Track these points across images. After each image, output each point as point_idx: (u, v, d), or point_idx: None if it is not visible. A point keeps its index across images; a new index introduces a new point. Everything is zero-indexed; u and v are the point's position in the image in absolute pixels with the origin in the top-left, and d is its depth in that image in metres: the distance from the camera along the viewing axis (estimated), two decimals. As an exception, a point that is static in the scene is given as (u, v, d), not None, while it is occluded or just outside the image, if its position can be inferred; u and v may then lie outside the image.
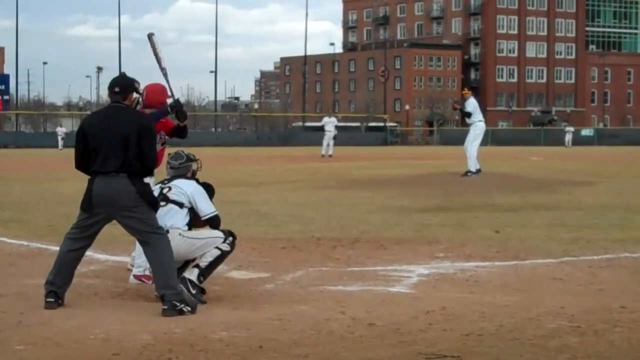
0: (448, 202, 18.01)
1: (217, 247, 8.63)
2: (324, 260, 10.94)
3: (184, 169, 9.05)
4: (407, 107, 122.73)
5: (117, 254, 11.47)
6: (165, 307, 7.78)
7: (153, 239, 7.99)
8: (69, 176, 28.40)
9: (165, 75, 9.67)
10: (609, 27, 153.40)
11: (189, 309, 7.80)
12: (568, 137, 76.02)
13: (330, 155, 44.37)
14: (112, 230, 13.87)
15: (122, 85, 8.19)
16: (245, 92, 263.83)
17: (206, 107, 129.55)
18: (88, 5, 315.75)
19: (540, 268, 10.41)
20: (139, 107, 9.20)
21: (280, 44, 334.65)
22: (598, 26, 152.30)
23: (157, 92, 9.49)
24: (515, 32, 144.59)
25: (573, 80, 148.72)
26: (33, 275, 9.74)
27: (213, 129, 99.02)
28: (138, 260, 9.41)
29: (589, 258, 10.99)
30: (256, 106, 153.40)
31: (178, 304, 7.78)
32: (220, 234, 8.76)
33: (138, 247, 8.89)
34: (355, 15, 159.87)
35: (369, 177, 27.35)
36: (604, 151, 57.18)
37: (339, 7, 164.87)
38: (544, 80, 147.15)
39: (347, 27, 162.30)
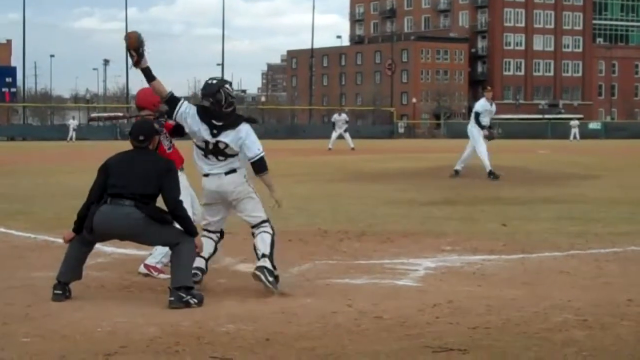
0: (455, 195, 18.00)
1: (264, 231, 8.90)
2: (331, 253, 10.95)
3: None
4: (414, 100, 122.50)
5: (124, 247, 11.47)
6: (172, 298, 7.80)
7: (176, 247, 8.04)
8: (76, 169, 28.45)
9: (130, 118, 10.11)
10: (616, 20, 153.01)
11: (195, 301, 7.82)
12: (574, 131, 75.55)
13: (352, 148, 44.02)
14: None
15: (146, 133, 8.36)
16: (252, 85, 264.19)
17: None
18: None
19: (547, 261, 10.41)
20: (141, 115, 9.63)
21: (288, 37, 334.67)
22: (605, 19, 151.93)
23: (149, 93, 9.52)
24: (523, 25, 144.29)
25: (580, 74, 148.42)
26: (40, 268, 9.77)
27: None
28: (155, 252, 9.45)
29: (596, 251, 10.98)
30: (263, 99, 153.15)
31: (184, 295, 7.79)
32: (265, 209, 8.99)
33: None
34: (363, 8, 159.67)
35: (376, 170, 27.33)
36: (611, 144, 57.09)
37: (346, 0, 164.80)
38: (551, 73, 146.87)
39: (354, 20, 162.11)
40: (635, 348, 6.55)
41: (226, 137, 8.68)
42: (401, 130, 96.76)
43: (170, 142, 9.74)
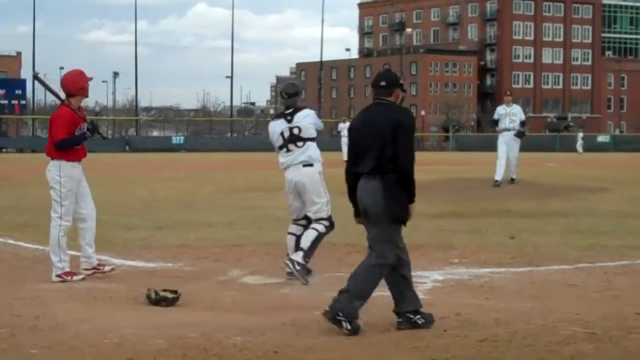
0: (463, 208, 17.97)
1: (313, 228, 9.82)
2: (339, 266, 10.92)
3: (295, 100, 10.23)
4: (422, 112, 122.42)
5: (132, 259, 11.50)
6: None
7: (376, 251, 7.64)
8: (85, 181, 28.52)
9: (68, 104, 10.06)
10: (625, 33, 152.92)
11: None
12: (580, 143, 75.64)
13: (345, 161, 44.24)
14: (126, 235, 13.98)
15: (388, 79, 7.89)
16: (261, 97, 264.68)
17: (222, 112, 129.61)
18: (105, 11, 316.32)
19: (555, 274, 10.39)
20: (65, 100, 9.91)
21: (297, 50, 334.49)
22: (614, 32, 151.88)
23: (76, 77, 9.70)
24: (532, 38, 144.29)
25: (589, 87, 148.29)
26: (48, 280, 9.79)
27: (229, 134, 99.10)
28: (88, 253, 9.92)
29: (604, 264, 10.96)
30: (272, 111, 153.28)
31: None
32: (327, 211, 10.04)
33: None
34: (371, 21, 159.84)
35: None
36: (620, 158, 57.00)
37: (355, 13, 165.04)
38: (560, 86, 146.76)
39: (363, 33, 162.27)
40: (644, 361, 6.54)
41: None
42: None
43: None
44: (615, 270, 10.53)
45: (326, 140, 48.13)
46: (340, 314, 7.27)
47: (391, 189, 7.43)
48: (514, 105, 23.87)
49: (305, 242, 9.80)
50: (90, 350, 6.74)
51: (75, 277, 9.82)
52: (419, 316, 7.52)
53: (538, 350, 6.74)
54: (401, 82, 7.88)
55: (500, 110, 23.60)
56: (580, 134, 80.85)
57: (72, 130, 9.87)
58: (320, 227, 9.94)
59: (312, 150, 10.06)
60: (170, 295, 8.54)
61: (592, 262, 11.12)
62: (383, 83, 7.76)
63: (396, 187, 7.44)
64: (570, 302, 8.61)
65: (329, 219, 10.03)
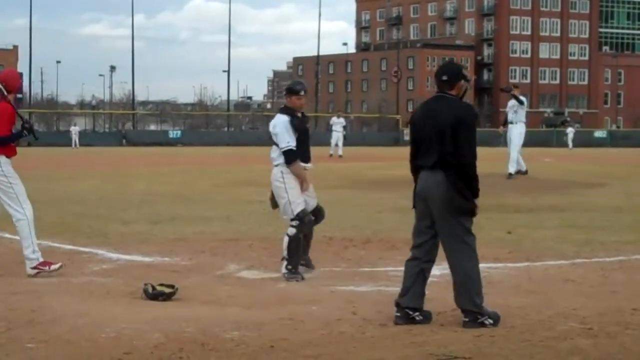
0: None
1: (286, 233, 9.70)
2: (336, 261, 10.94)
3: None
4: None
5: (129, 253, 11.50)
6: (467, 319, 7.44)
7: (457, 247, 7.56)
8: (81, 175, 28.47)
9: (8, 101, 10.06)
10: (622, 28, 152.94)
11: (491, 322, 7.40)
12: (570, 137, 75.86)
13: (340, 156, 44.25)
14: (123, 229, 13.97)
15: (450, 73, 7.69)
16: (258, 91, 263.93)
17: (219, 106, 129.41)
18: (102, 4, 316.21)
19: (552, 269, 10.39)
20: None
21: (294, 44, 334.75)
22: (612, 27, 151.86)
23: (16, 75, 10.19)
24: (529, 33, 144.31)
25: (586, 82, 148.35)
26: (44, 274, 9.78)
27: (226, 129, 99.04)
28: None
29: (601, 260, 10.96)
30: (269, 106, 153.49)
31: (480, 317, 7.42)
32: (291, 211, 9.78)
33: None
34: (369, 15, 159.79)
35: (381, 177, 27.31)
36: (617, 153, 57.04)
37: (353, 7, 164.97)
38: (557, 81, 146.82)
39: (360, 27, 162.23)
40: (641, 357, 6.54)
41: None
42: (407, 137, 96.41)
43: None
44: (612, 266, 10.53)
45: (323, 134, 48.17)
46: (480, 317, 7.37)
47: (455, 183, 7.40)
48: (513, 99, 24.25)
49: (284, 250, 9.75)
50: (87, 344, 6.73)
51: (52, 266, 9.82)
52: (417, 313, 7.52)
53: (535, 345, 6.74)
54: (464, 73, 7.72)
55: (508, 105, 24.42)
56: (570, 129, 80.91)
57: (11, 126, 9.98)
58: (290, 230, 9.75)
59: (276, 150, 9.93)
60: (167, 290, 8.54)
61: (589, 258, 11.12)
62: (444, 77, 7.64)
63: (460, 181, 7.41)
64: (567, 297, 8.61)
65: (297, 217, 9.80)
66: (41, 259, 9.85)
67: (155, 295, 8.45)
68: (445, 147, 7.36)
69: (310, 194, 10.08)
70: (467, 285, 7.47)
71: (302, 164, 9.96)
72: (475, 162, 7.43)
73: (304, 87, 10.03)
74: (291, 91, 9.98)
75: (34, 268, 9.78)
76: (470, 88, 8.39)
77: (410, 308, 7.51)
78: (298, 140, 9.84)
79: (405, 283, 7.65)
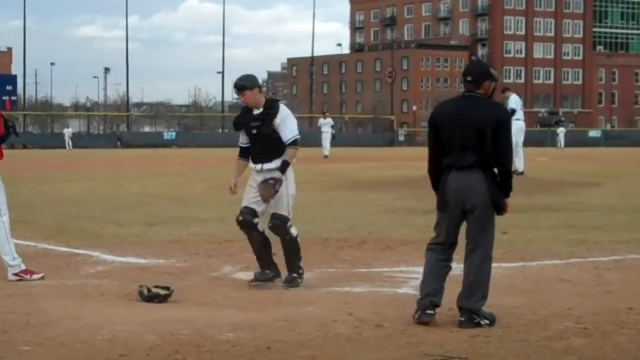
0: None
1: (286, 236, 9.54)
2: (331, 262, 10.95)
3: None
4: (414, 107, 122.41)
5: (124, 255, 11.49)
6: (463, 318, 7.47)
7: (482, 245, 7.73)
8: (76, 177, 28.44)
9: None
10: (616, 28, 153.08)
11: (487, 322, 7.44)
12: (561, 137, 76.12)
13: (325, 156, 44.17)
14: (118, 231, 13.96)
15: (475, 73, 7.63)
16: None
17: (213, 107, 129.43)
18: (96, 6, 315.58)
19: (547, 269, 10.41)
20: None
21: (288, 45, 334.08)
22: (606, 27, 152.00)
23: None
24: (523, 33, 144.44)
25: (580, 82, 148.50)
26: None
27: (220, 130, 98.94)
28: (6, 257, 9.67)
29: (596, 259, 10.97)
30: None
31: (476, 317, 7.44)
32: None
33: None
34: (363, 16, 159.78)
35: (376, 178, 27.31)
36: (611, 152, 57.10)
37: (347, 7, 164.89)
38: (551, 81, 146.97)
39: (355, 28, 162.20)
40: (636, 356, 6.55)
41: None
42: (401, 138, 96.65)
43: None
44: (607, 265, 10.55)
45: (318, 135, 48.16)
46: (476, 317, 7.39)
47: (494, 183, 7.45)
48: (510, 99, 24.61)
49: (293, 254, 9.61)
50: (82, 346, 6.73)
51: (34, 276, 9.71)
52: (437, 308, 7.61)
53: (530, 345, 6.75)
54: (491, 71, 7.69)
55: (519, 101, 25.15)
56: (561, 129, 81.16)
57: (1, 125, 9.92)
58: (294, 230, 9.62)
59: None
60: (162, 292, 8.53)
61: (584, 257, 11.13)
62: (469, 78, 7.60)
63: (497, 181, 7.47)
64: (562, 297, 8.62)
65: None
66: (23, 267, 9.73)
67: (150, 298, 8.44)
68: (485, 147, 7.37)
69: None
70: (476, 287, 7.53)
71: (251, 164, 9.58)
72: (512, 161, 7.57)
73: (236, 85, 9.47)
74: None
75: (16, 275, 9.69)
76: (496, 88, 8.32)
77: (435, 305, 7.52)
78: (249, 138, 9.51)
79: (435, 284, 7.61)
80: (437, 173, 7.66)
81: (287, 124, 9.36)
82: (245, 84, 9.37)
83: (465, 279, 7.62)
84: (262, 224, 9.44)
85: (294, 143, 9.39)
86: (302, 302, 8.46)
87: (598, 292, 8.98)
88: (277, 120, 9.31)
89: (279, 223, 9.35)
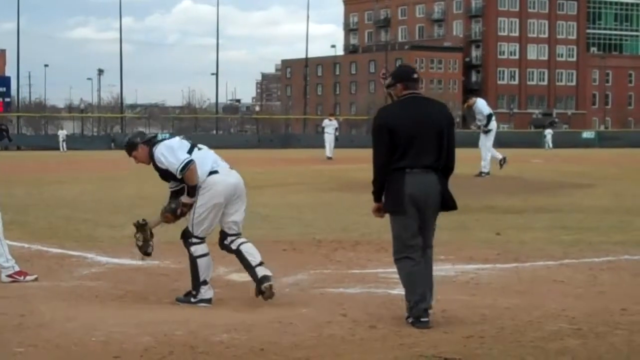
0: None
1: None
2: (325, 263, 10.95)
3: None
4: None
5: (118, 257, 11.48)
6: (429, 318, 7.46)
7: (432, 244, 7.72)
8: (70, 179, 28.41)
9: None
10: (610, 29, 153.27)
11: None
12: (547, 139, 76.44)
13: (329, 158, 44.19)
14: (112, 233, 13.95)
15: (416, 72, 7.75)
16: (247, 94, 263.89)
17: (207, 109, 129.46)
18: (90, 7, 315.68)
19: (540, 270, 10.41)
20: None
21: (282, 47, 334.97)
22: (599, 28, 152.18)
23: None
24: (517, 34, 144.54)
25: (574, 83, 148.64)
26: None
27: (214, 131, 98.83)
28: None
29: (590, 260, 10.99)
30: (257, 108, 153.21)
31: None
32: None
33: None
34: (357, 17, 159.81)
35: (370, 179, 27.27)
36: (605, 153, 57.14)
37: (341, 9, 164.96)
38: (545, 82, 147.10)
39: (349, 30, 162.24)
40: (629, 357, 6.56)
41: None
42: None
43: None
44: (601, 266, 10.56)
45: (312, 136, 48.17)
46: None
47: (445, 183, 7.48)
48: (475, 105, 25.48)
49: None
50: (76, 348, 6.72)
51: (28, 277, 9.72)
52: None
53: (524, 346, 6.76)
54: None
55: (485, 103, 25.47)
56: (548, 130, 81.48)
57: None
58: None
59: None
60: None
61: (578, 258, 11.15)
62: (415, 76, 7.64)
63: (445, 181, 7.49)
64: (556, 298, 8.63)
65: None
66: (17, 268, 9.74)
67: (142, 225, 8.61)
68: (443, 147, 7.38)
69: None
70: (432, 285, 7.61)
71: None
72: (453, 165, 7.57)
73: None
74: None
75: (9, 276, 9.69)
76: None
77: (426, 309, 7.49)
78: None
79: (419, 289, 7.50)
80: (385, 178, 7.60)
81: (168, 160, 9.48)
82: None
83: (428, 278, 7.61)
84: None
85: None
86: (296, 303, 8.45)
87: (592, 293, 8.99)
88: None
89: (184, 237, 9.12)
